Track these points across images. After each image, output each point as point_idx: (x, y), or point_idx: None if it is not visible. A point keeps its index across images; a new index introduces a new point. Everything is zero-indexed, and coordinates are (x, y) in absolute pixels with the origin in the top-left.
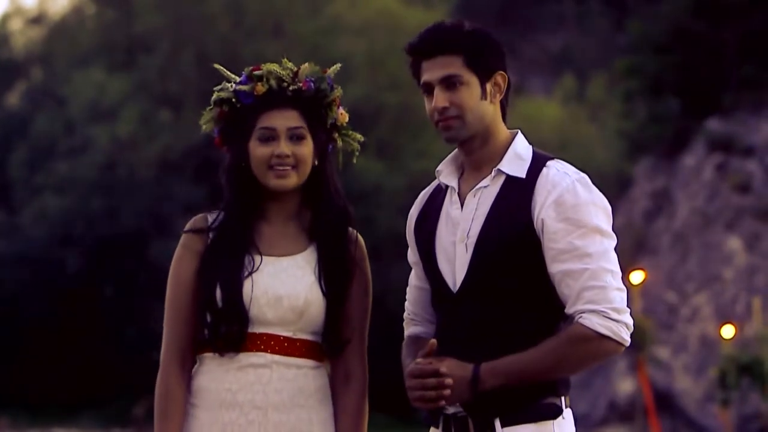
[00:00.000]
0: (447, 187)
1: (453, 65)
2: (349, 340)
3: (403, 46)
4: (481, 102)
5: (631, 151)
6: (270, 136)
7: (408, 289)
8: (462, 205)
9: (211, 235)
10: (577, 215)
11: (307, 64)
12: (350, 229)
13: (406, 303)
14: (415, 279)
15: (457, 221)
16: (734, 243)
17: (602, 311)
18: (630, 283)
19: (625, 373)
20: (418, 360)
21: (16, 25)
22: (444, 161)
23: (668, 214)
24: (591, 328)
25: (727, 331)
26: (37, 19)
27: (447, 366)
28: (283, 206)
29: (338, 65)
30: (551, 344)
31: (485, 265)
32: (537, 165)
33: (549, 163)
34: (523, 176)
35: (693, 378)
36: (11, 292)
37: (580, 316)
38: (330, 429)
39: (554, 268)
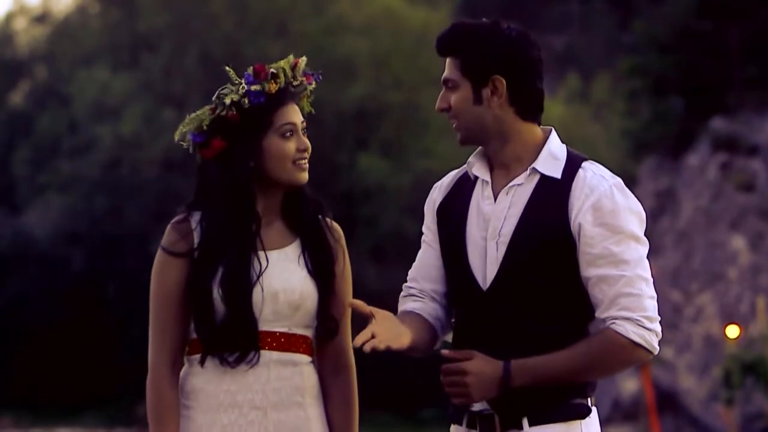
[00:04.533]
0: (476, 178)
1: (451, 67)
2: (339, 327)
3: (407, 45)
4: (474, 107)
5: (635, 151)
6: (292, 131)
7: (418, 266)
8: (494, 201)
9: (197, 236)
10: (615, 221)
11: (303, 58)
12: (327, 218)
13: (412, 281)
14: (432, 258)
15: (488, 217)
16: (738, 242)
17: (636, 319)
18: None
19: (629, 373)
20: (444, 353)
21: (20, 23)
22: (474, 153)
23: (672, 213)
24: (625, 336)
25: (732, 331)
26: (41, 18)
27: (476, 364)
28: (272, 201)
29: (305, 58)
30: (583, 348)
31: (517, 264)
32: (572, 166)
33: (584, 164)
34: (559, 176)
35: (697, 377)
36: (15, 290)
37: (613, 323)
38: (325, 424)
39: (589, 272)
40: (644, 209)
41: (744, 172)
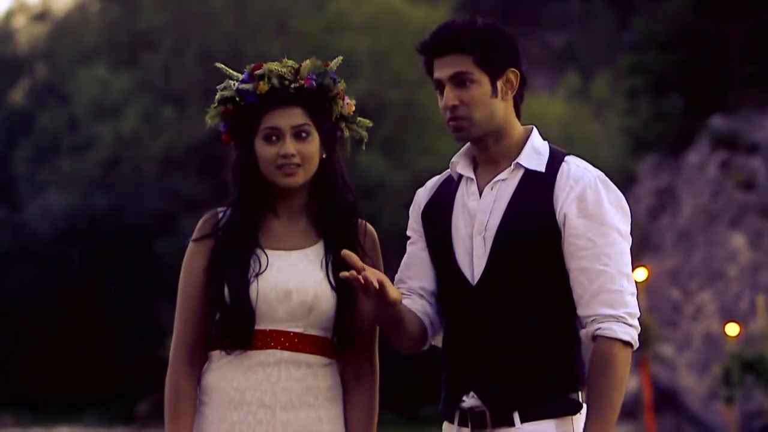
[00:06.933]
0: (461, 178)
1: (463, 63)
2: (360, 335)
3: (407, 43)
4: (491, 100)
5: (635, 149)
6: (275, 135)
7: (404, 267)
8: (480, 197)
9: (220, 232)
10: (598, 213)
11: (308, 61)
12: (359, 220)
13: (399, 282)
14: (418, 257)
15: (474, 213)
16: (738, 240)
17: (620, 316)
18: (634, 280)
19: (629, 371)
20: None
21: (20, 21)
22: (458, 153)
23: (672, 211)
24: (615, 338)
25: (732, 329)
26: (41, 16)
27: None
28: (292, 201)
29: (340, 58)
30: (597, 377)
31: (505, 258)
32: (555, 160)
33: (567, 158)
34: (543, 170)
35: (697, 375)
36: (15, 288)
37: (599, 328)
38: (340, 427)
39: (572, 263)
40: (644, 207)
41: (744, 170)
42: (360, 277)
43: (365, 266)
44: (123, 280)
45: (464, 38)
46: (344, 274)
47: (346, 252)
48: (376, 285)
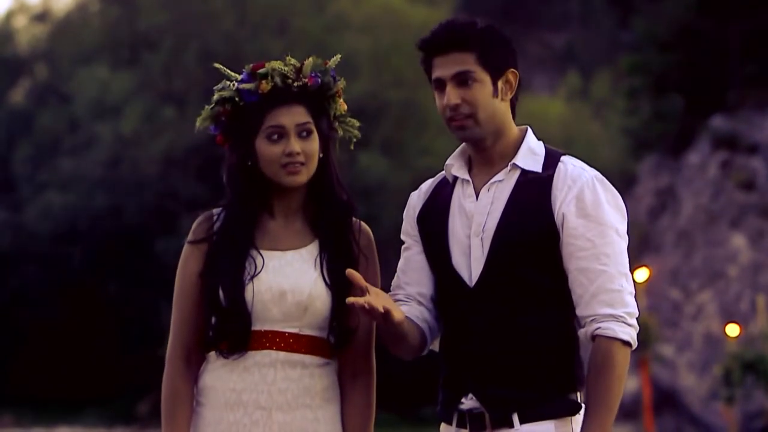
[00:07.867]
0: (456, 180)
1: (466, 62)
2: (356, 332)
3: (407, 43)
4: (493, 100)
5: (635, 149)
6: (279, 134)
7: (401, 273)
8: (476, 198)
9: (215, 236)
10: (597, 212)
11: (311, 59)
12: (354, 219)
13: (397, 288)
14: (415, 263)
15: (471, 214)
16: (739, 240)
17: (620, 316)
18: (635, 280)
19: (629, 371)
20: None
21: (20, 22)
22: (452, 155)
23: (673, 211)
24: (615, 338)
25: (732, 329)
26: (42, 17)
27: None
28: (289, 201)
29: (338, 56)
30: (595, 378)
31: (502, 259)
32: (551, 160)
33: (563, 158)
34: (539, 170)
35: (697, 375)
36: (15, 288)
37: (598, 327)
38: (337, 427)
39: (572, 264)
40: (644, 207)
41: (744, 170)
42: (365, 304)
43: (369, 287)
44: (123, 280)
45: (467, 36)
46: (350, 300)
47: (350, 271)
48: (381, 311)
